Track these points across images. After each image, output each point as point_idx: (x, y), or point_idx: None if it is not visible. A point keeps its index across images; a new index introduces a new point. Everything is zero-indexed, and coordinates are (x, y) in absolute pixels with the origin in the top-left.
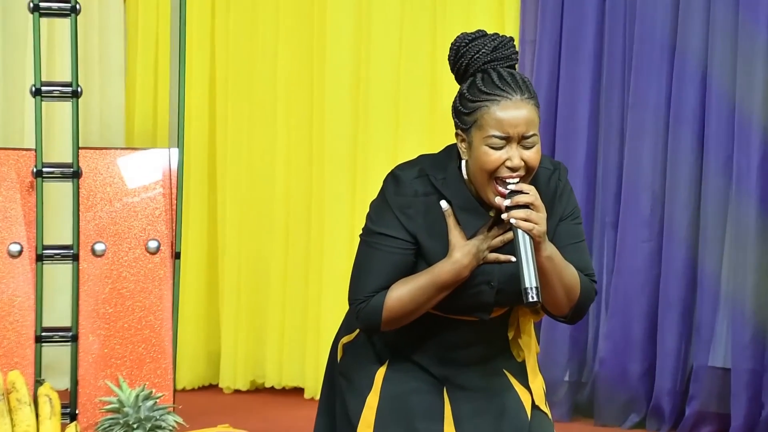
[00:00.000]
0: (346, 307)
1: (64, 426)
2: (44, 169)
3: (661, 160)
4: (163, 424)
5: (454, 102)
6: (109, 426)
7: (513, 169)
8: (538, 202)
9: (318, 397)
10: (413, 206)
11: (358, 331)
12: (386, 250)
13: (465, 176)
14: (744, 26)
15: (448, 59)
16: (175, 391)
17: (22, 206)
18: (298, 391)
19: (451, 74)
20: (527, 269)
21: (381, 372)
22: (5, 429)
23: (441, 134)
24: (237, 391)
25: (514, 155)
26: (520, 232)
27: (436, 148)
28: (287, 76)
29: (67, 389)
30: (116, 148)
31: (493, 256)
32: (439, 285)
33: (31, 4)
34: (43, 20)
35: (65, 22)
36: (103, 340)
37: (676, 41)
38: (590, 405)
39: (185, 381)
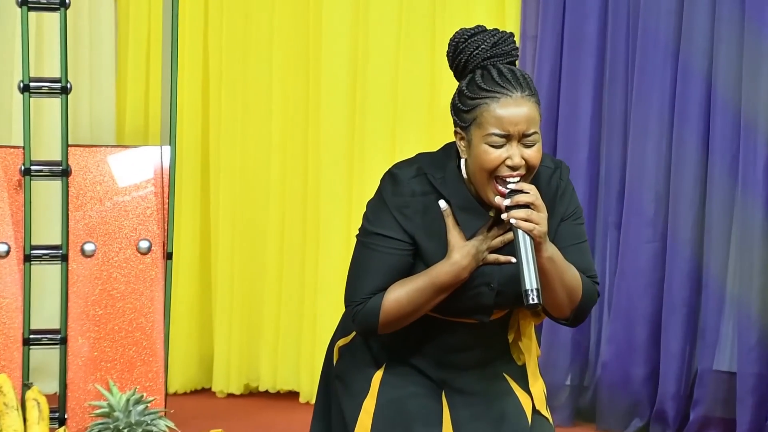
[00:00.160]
0: (343, 309)
1: (52, 431)
2: (32, 167)
3: (665, 159)
4: (155, 429)
5: (453, 99)
6: (99, 431)
7: (513, 168)
8: (539, 201)
9: (313, 402)
10: (411, 206)
11: (354, 333)
12: (383, 251)
13: (464, 175)
14: (750, 22)
15: (447, 55)
16: (166, 395)
17: (9, 205)
18: (293, 395)
19: (451, 71)
20: (528, 270)
21: (378, 376)
22: None
23: (440, 132)
24: (230, 395)
25: (515, 154)
26: (520, 232)
27: (434, 146)
28: (282, 71)
29: (55, 393)
30: (106, 146)
31: (493, 257)
32: (438, 287)
33: None
34: (32, 14)
35: (54, 17)
36: (93, 342)
37: (680, 37)
38: (592, 410)
39: (177, 385)
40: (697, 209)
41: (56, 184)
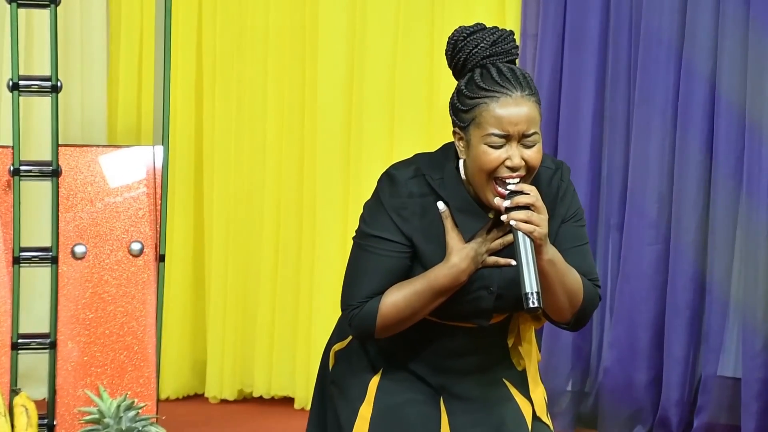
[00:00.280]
0: (339, 313)
1: None
2: (22, 168)
3: (668, 160)
4: None
5: (452, 99)
6: None
7: (513, 169)
8: (540, 203)
9: (309, 408)
10: (409, 207)
11: (351, 337)
12: (380, 254)
13: (463, 176)
14: (755, 21)
15: (446, 54)
16: (158, 401)
17: None
18: (288, 401)
19: (449, 69)
20: (528, 273)
21: (375, 381)
22: None
23: (438, 132)
24: (224, 401)
25: (514, 154)
26: (520, 234)
27: (433, 146)
28: (277, 69)
29: (44, 399)
30: (98, 146)
31: (493, 259)
32: (436, 290)
33: None
34: (22, 11)
35: (44, 14)
36: (83, 347)
37: (684, 35)
38: (594, 416)
39: (169, 390)
40: (700, 211)
41: (46, 185)
